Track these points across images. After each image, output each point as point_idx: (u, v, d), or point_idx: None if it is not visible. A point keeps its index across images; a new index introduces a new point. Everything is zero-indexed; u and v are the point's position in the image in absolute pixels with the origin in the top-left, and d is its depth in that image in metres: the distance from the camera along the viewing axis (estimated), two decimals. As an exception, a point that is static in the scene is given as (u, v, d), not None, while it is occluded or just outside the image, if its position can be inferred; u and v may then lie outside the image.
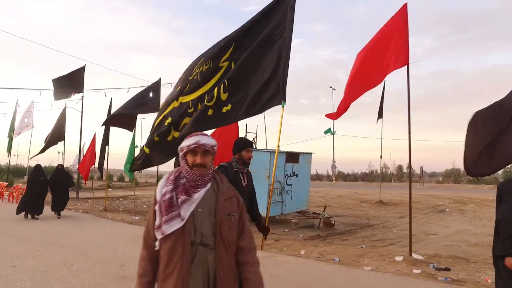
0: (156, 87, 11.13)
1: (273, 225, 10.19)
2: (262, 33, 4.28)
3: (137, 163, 5.34)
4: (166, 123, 4.60)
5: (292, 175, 11.03)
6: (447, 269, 5.55)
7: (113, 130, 13.70)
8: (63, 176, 11.00)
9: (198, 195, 1.77)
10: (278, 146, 5.23)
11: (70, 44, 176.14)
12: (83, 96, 14.93)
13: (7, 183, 17.32)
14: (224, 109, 4.20)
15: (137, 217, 11.10)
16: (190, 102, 4.45)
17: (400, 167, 59.55)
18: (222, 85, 4.19)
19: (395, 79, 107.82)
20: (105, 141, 12.89)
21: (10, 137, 18.67)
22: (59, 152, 15.59)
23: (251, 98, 4.10)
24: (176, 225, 1.70)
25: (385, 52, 6.54)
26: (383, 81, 7.00)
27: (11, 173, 25.82)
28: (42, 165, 11.83)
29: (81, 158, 15.16)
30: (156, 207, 1.77)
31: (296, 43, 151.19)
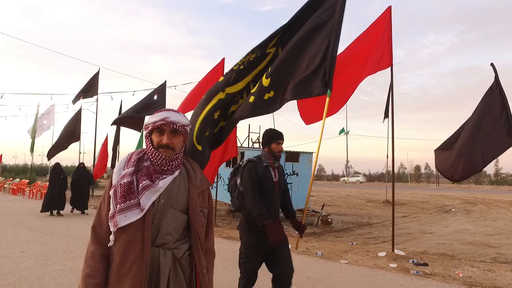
0: (161, 89, 11.71)
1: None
2: (310, 18, 4.00)
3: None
4: (215, 116, 4.31)
5: (292, 173, 11.33)
6: (425, 264, 5.75)
7: (129, 130, 14.32)
8: (84, 175, 11.54)
9: (164, 183, 1.50)
10: (320, 143, 4.44)
11: (88, 45, 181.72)
12: (97, 98, 15.70)
13: (28, 180, 18.43)
14: (266, 96, 3.81)
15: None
16: (238, 92, 4.15)
17: (417, 167, 58.44)
18: (265, 72, 3.91)
19: (413, 78, 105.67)
20: (116, 140, 13.60)
21: (33, 138, 19.80)
22: (80, 153, 16.38)
23: (295, 85, 3.73)
24: (134, 216, 1.44)
25: (369, 54, 6.85)
26: (390, 82, 7.29)
27: (34, 171, 27.23)
28: (64, 165, 12.57)
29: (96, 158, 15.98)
30: (111, 192, 1.50)
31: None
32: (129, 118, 12.06)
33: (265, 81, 3.82)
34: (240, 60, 4.31)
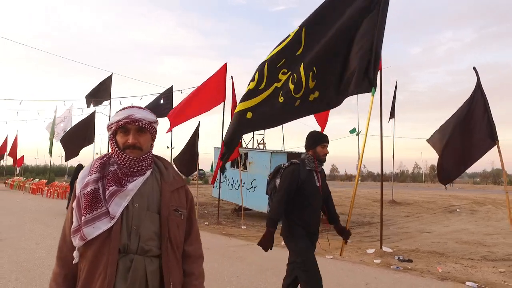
0: (167, 93, 12.29)
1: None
2: (349, 8, 3.63)
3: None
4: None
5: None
6: (409, 261, 6.05)
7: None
8: None
9: (134, 185, 1.40)
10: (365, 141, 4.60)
11: (104, 48, 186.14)
12: (110, 102, 16.41)
13: (46, 180, 19.44)
14: (311, 97, 3.59)
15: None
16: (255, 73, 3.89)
17: (433, 167, 57.52)
18: (310, 73, 3.60)
19: (427, 76, 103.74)
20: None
21: (51, 140, 20.83)
22: (97, 153, 17.18)
23: (339, 83, 3.51)
24: (103, 225, 1.32)
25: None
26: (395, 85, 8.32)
27: (53, 172, 28.49)
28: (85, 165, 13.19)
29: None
30: (74, 204, 1.38)
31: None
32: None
33: (311, 84, 3.56)
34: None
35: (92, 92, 15.90)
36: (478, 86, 5.94)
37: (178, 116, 10.51)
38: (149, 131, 1.49)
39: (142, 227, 1.37)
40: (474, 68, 6.05)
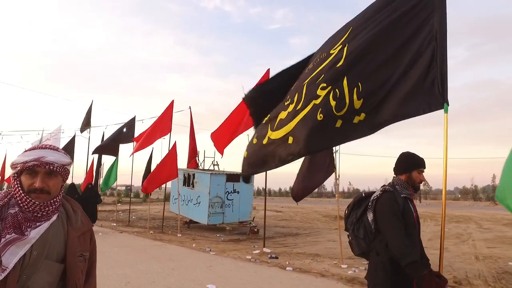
0: (130, 123, 14.56)
1: (214, 231, 13.00)
2: (398, 12, 3.09)
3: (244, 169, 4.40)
4: (264, 121, 3.93)
5: (233, 192, 13.77)
6: (276, 258, 8.06)
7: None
8: (93, 194, 12.85)
9: (36, 232, 1.28)
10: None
11: (108, 65, 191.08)
12: (90, 128, 18.55)
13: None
14: (356, 119, 3.15)
15: (114, 224, 14.35)
16: (289, 95, 3.65)
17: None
18: (355, 88, 3.17)
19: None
20: (99, 163, 16.50)
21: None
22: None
23: (395, 102, 2.98)
24: None
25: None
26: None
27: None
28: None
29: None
30: None
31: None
32: (106, 146, 14.96)
33: (357, 103, 3.11)
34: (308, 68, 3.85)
35: (85, 121, 17.75)
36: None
37: (141, 144, 12.89)
38: (60, 174, 1.39)
39: (34, 278, 1.27)
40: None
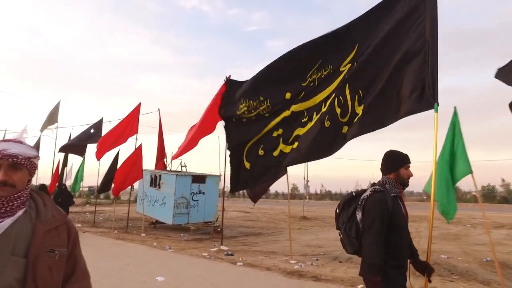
0: (97, 125, 14.67)
1: (179, 231, 13.35)
2: (394, 25, 3.41)
3: (235, 182, 4.55)
4: (275, 135, 3.99)
5: (198, 193, 14.16)
6: (232, 254, 8.56)
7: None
8: (66, 195, 12.52)
9: None
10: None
11: (81, 63, 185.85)
12: (57, 126, 18.41)
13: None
14: (356, 119, 3.46)
15: (79, 224, 14.40)
16: (304, 111, 3.80)
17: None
18: (356, 96, 3.42)
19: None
20: (64, 163, 16.44)
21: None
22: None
23: (394, 103, 3.25)
24: None
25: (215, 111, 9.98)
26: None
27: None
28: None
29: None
30: None
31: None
32: (72, 146, 14.98)
33: (358, 109, 3.38)
34: (312, 78, 3.91)
35: (48, 120, 17.67)
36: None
37: (106, 146, 13.11)
38: (26, 166, 1.35)
39: (0, 274, 1.22)
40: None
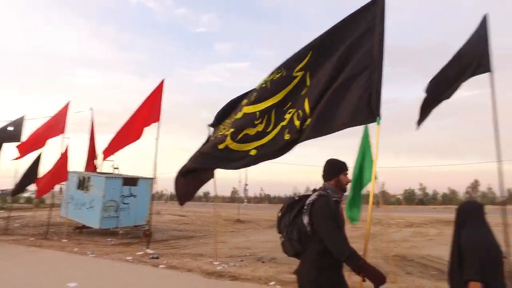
0: (17, 122, 13.57)
1: (107, 235, 12.88)
2: (347, 42, 3.68)
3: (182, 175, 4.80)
4: (226, 133, 4.06)
5: (129, 195, 13.81)
6: (157, 257, 8.58)
7: None
8: None
9: None
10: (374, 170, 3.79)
11: (8, 52, 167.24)
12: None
13: None
14: (305, 125, 3.64)
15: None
16: (257, 113, 3.83)
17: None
18: (309, 102, 3.66)
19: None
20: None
21: None
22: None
23: (340, 114, 3.47)
24: None
25: (144, 114, 9.90)
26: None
27: None
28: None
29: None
30: None
31: (243, 66, 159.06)
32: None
33: (308, 110, 3.65)
34: (264, 80, 4.03)
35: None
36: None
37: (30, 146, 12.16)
38: None
39: None
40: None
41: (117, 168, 16.96)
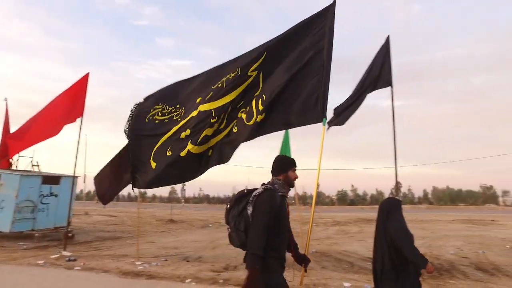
0: None
1: (20, 239, 11.82)
2: (299, 46, 3.88)
3: (138, 180, 4.50)
4: (182, 136, 4.01)
5: (49, 195, 12.86)
6: (74, 260, 8.17)
7: None
8: None
9: None
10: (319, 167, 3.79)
11: None
12: None
13: None
14: (259, 118, 3.77)
15: None
16: (212, 111, 3.86)
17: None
18: (260, 99, 3.79)
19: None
20: None
21: None
22: None
23: (289, 113, 3.67)
24: None
25: (64, 109, 9.34)
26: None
27: None
28: None
29: None
30: None
31: (187, 64, 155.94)
32: None
33: (260, 107, 3.78)
34: (221, 80, 4.10)
35: None
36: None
37: None
38: None
39: None
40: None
41: (37, 166, 15.70)
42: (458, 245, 11.45)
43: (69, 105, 9.20)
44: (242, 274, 7.09)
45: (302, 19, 4.08)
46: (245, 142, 3.98)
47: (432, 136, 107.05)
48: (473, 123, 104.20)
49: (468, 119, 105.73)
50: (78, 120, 9.36)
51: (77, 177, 14.12)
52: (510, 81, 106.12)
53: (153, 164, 4.18)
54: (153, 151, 4.12)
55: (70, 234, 12.30)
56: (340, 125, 5.27)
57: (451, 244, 11.81)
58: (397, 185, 9.31)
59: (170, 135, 4.15)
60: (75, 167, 9.96)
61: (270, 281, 2.57)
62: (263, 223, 2.56)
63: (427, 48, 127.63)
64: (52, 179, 13.00)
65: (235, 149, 3.95)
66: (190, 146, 3.78)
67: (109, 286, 5.88)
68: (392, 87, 7.14)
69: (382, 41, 7.08)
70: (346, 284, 6.21)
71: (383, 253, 3.25)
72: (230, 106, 3.88)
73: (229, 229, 2.80)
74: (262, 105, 3.76)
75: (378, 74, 7.12)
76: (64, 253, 8.70)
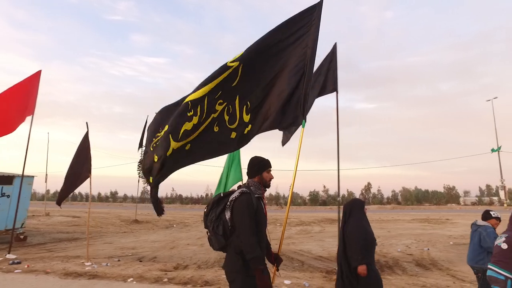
0: None
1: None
2: (281, 45, 3.86)
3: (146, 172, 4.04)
4: (162, 132, 3.86)
5: (1, 195, 12.40)
6: (19, 262, 7.96)
7: None
8: None
9: None
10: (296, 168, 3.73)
11: None
12: None
13: None
14: (246, 130, 3.76)
15: None
16: (189, 102, 3.70)
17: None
18: (244, 106, 3.78)
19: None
20: None
21: None
22: None
23: (272, 116, 3.66)
24: None
25: (17, 107, 9.09)
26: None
27: None
28: None
29: None
30: None
31: (163, 62, 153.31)
32: None
33: (246, 117, 3.75)
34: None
35: None
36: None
37: None
38: None
39: None
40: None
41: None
42: (408, 243, 12.02)
43: (23, 103, 8.96)
44: (189, 273, 7.18)
45: (280, 20, 4.09)
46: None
47: (402, 137, 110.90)
48: (442, 127, 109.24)
49: (436, 123, 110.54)
50: (28, 118, 9.12)
51: (33, 177, 13.71)
52: (473, 88, 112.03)
53: (155, 158, 3.88)
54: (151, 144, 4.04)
55: (22, 236, 11.95)
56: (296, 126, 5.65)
57: (402, 242, 12.37)
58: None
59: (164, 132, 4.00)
60: (24, 166, 9.65)
61: (250, 282, 2.62)
62: (247, 225, 2.61)
63: (400, 54, 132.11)
64: (4, 179, 12.54)
65: (215, 156, 3.88)
66: (173, 144, 3.61)
67: (44, 287, 5.81)
68: (337, 92, 7.47)
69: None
70: (287, 282, 6.43)
71: (342, 251, 3.52)
72: (207, 97, 3.74)
73: (208, 233, 2.86)
74: (247, 114, 3.77)
75: (325, 79, 7.43)
76: (8, 256, 8.45)
